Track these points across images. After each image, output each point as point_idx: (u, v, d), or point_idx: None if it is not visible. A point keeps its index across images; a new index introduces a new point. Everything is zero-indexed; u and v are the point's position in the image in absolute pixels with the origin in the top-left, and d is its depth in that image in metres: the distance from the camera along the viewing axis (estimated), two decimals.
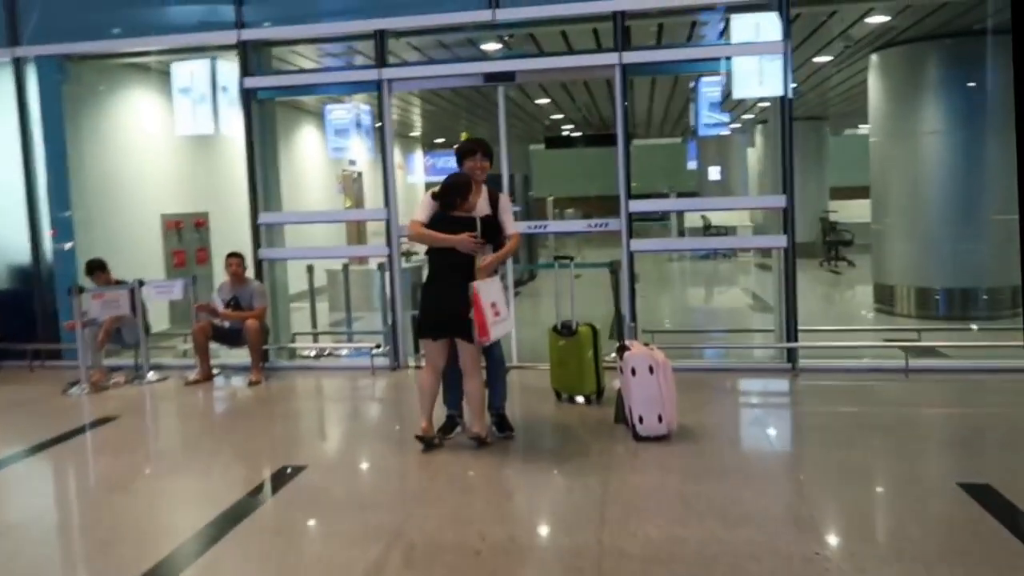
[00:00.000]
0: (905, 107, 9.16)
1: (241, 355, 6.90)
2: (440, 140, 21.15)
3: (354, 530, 3.51)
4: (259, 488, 4.11)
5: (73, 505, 4.18)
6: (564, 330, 5.59)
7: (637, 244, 6.57)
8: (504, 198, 4.74)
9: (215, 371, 6.83)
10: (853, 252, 14.80)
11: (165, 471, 4.53)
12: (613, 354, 5.03)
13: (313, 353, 7.46)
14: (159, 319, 8.04)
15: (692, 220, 19.27)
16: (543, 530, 3.51)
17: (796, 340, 6.36)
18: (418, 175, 21.10)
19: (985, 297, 8.86)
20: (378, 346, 6.92)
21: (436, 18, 6.59)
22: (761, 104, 14.98)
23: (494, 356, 4.80)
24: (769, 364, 6.49)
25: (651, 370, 4.62)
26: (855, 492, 3.85)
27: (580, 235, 16.42)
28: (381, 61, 6.76)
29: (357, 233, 15.19)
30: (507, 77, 6.67)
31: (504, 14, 6.46)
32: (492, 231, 4.56)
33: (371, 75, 6.77)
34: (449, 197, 4.50)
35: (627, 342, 4.88)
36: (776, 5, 6.19)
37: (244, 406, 6.02)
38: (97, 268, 6.82)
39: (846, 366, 6.32)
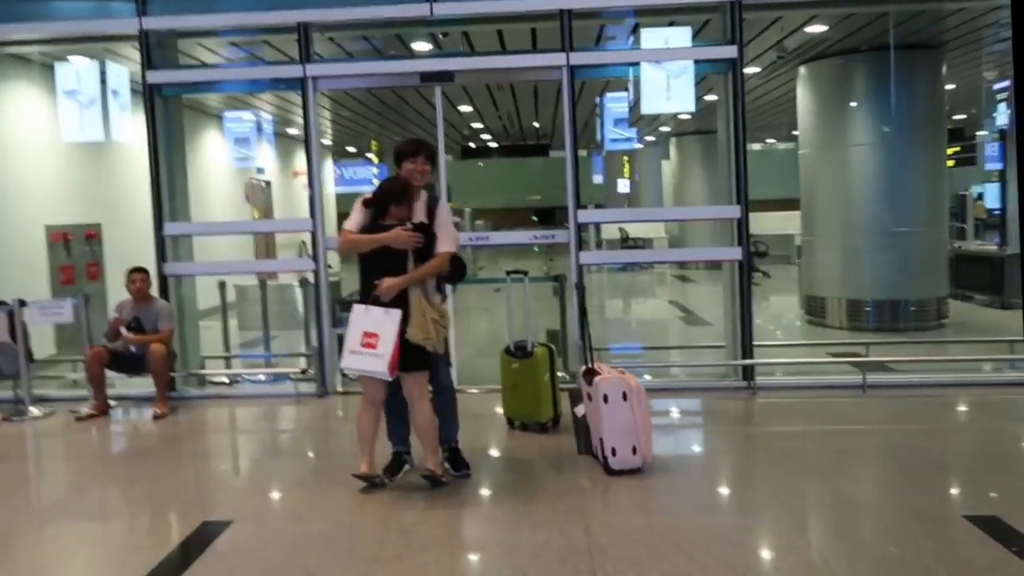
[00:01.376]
0: (834, 119, 9.16)
1: (141, 384, 6.09)
2: (351, 149, 20.36)
3: None
4: (175, 553, 3.41)
5: None
6: (518, 351, 5.09)
7: (587, 257, 6.16)
8: (444, 208, 4.12)
9: (111, 403, 5.97)
10: (766, 263, 15.00)
11: (55, 531, 3.75)
12: (575, 378, 4.57)
13: (227, 380, 6.68)
14: (43, 344, 7.07)
15: (609, 232, 19.23)
16: None
17: (752, 356, 6.08)
18: (328, 186, 20.18)
19: (913, 308, 8.92)
20: (304, 371, 6.23)
21: (368, 11, 5.99)
22: (682, 116, 15.17)
23: (441, 383, 4.24)
24: (725, 383, 6.17)
25: (624, 397, 4.19)
26: (860, 528, 3.50)
27: (500, 248, 16.05)
28: (305, 57, 6.11)
29: (266, 247, 14.27)
30: (446, 77, 6.14)
31: (442, 9, 5.94)
32: (424, 245, 3.95)
33: (295, 71, 6.10)
34: (383, 203, 3.96)
35: (594, 365, 4.43)
36: (728, 9, 5.94)
37: (150, 445, 5.22)
38: None
39: (802, 383, 6.09)
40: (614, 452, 4.17)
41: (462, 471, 4.21)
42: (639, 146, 21.04)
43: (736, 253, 6.07)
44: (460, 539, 3.42)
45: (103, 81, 6.49)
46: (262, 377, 6.75)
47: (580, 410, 4.61)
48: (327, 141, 18.32)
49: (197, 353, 6.84)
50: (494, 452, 4.72)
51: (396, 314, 3.81)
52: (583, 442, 4.65)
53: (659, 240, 18.38)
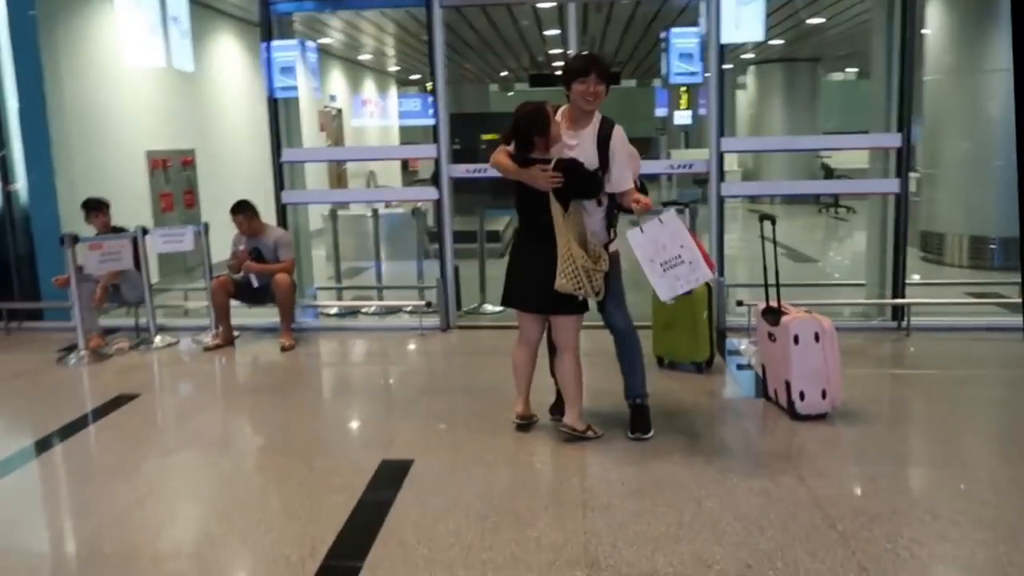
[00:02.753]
0: (969, 44, 8.47)
1: (256, 314, 5.95)
2: (415, 77, 19.84)
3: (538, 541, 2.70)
4: (369, 493, 3.24)
5: (143, 534, 3.23)
6: None
7: (729, 188, 5.79)
8: (620, 137, 3.51)
9: (236, 334, 5.85)
10: (849, 198, 14.35)
11: (233, 469, 3.61)
12: (755, 319, 4.27)
13: (372, 310, 6.54)
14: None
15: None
16: (776, 549, 2.74)
17: (903, 296, 5.71)
18: (392, 117, 19.73)
19: None
20: (429, 304, 6.01)
21: None
22: (772, 43, 14.39)
23: (617, 327, 3.73)
24: (875, 323, 5.82)
25: (817, 338, 3.88)
26: None
27: None
28: None
29: (337, 177, 14.03)
30: None
31: None
32: (589, 182, 3.49)
33: None
34: (522, 135, 3.50)
35: (777, 303, 4.10)
36: None
37: (290, 378, 5.07)
38: (96, 208, 5.70)
39: (957, 324, 5.69)
40: (802, 396, 3.89)
41: (637, 434, 3.72)
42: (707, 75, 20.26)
43: (894, 185, 5.62)
44: (668, 488, 3.18)
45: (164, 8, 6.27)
46: (399, 309, 6.47)
47: (749, 350, 4.32)
48: (393, 68, 17.85)
49: (311, 284, 6.68)
50: (658, 394, 4.46)
51: (672, 218, 3.44)
52: (759, 385, 4.37)
53: (732, 173, 17.63)
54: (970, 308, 6.12)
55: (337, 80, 14.82)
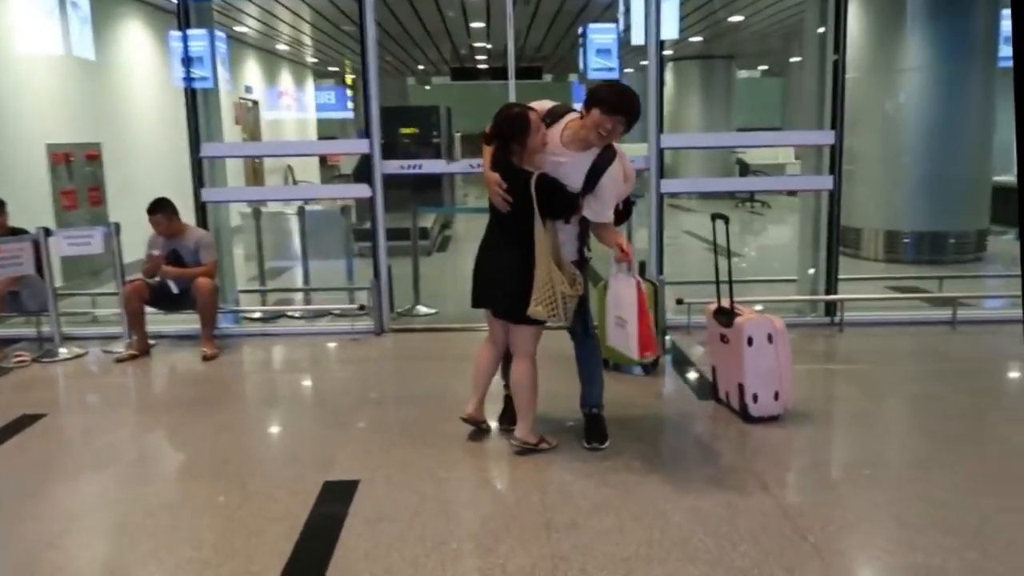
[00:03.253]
0: (884, 44, 8.72)
1: (172, 320, 5.56)
2: (334, 69, 19.26)
3: None
4: (315, 520, 2.99)
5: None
6: None
7: (669, 185, 5.73)
8: (616, 172, 3.27)
9: (152, 343, 5.43)
10: (764, 193, 14.76)
11: (159, 498, 3.28)
12: (704, 318, 4.19)
13: (300, 314, 6.19)
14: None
15: None
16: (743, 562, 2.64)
17: (836, 291, 5.79)
18: (309, 110, 19.10)
19: (953, 241, 8.73)
20: (362, 307, 5.74)
21: None
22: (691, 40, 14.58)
23: (580, 336, 3.58)
24: (808, 319, 5.88)
25: (770, 339, 3.83)
26: None
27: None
28: None
29: (254, 172, 13.45)
30: None
31: None
32: (562, 206, 3.29)
33: None
34: (501, 138, 3.32)
35: (728, 303, 4.04)
36: None
37: (214, 392, 4.72)
38: None
39: (888, 319, 5.81)
40: (756, 399, 3.84)
41: (594, 444, 3.57)
42: (629, 71, 20.44)
43: (828, 182, 5.68)
44: (633, 502, 3.06)
45: None
46: (327, 312, 6.16)
47: (698, 351, 4.25)
48: (311, 59, 17.28)
49: (234, 287, 6.29)
50: (608, 399, 4.34)
51: (630, 281, 3.36)
52: (705, 387, 4.31)
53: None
54: (899, 303, 6.26)
55: (252, 71, 14.20)
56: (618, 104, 3.14)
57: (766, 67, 22.77)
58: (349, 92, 21.25)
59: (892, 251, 8.85)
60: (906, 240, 8.82)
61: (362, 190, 5.74)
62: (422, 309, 6.39)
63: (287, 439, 4.03)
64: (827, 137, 5.64)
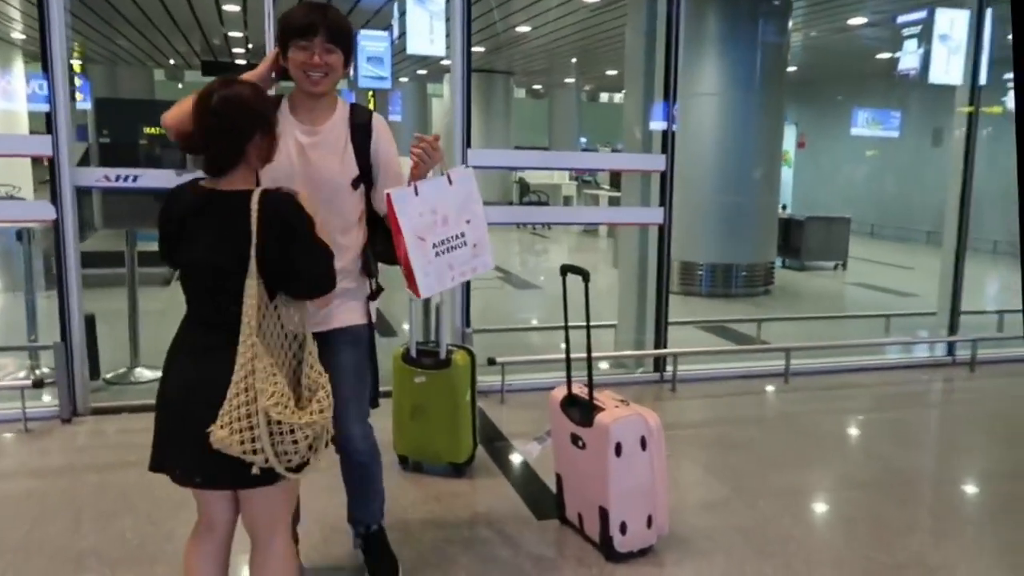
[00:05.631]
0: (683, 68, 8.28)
1: None
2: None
3: None
4: None
5: None
6: (425, 358, 3.39)
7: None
8: (384, 128, 2.38)
9: None
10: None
11: None
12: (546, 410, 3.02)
13: None
14: None
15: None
16: None
17: (666, 343, 4.94)
18: (18, 101, 15.63)
19: (744, 273, 8.51)
20: (38, 380, 3.90)
21: None
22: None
23: (358, 450, 2.42)
24: (638, 375, 4.99)
25: (643, 444, 2.74)
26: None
27: None
28: None
29: None
30: None
31: None
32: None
33: None
34: (203, 139, 1.87)
35: (589, 391, 2.88)
36: None
37: None
38: None
39: (717, 373, 5.07)
40: (624, 529, 2.73)
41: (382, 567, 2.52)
42: (404, 79, 19.31)
43: (657, 215, 4.82)
44: None
45: None
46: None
47: (534, 451, 3.09)
48: (19, 36, 14.11)
49: None
50: (403, 515, 3.03)
51: (467, 177, 2.33)
52: (551, 501, 3.14)
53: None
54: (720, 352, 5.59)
55: None
56: (304, 22, 2.17)
57: (537, 87, 22.70)
58: (77, 81, 17.98)
59: (688, 283, 8.43)
60: (700, 272, 8.46)
61: (42, 210, 3.93)
62: (145, 373, 4.67)
63: None
64: (657, 162, 4.79)
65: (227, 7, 9.65)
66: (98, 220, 9.77)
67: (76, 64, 17.67)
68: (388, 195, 2.21)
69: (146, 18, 10.80)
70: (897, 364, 5.50)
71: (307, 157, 2.24)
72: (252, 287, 1.78)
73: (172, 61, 16.70)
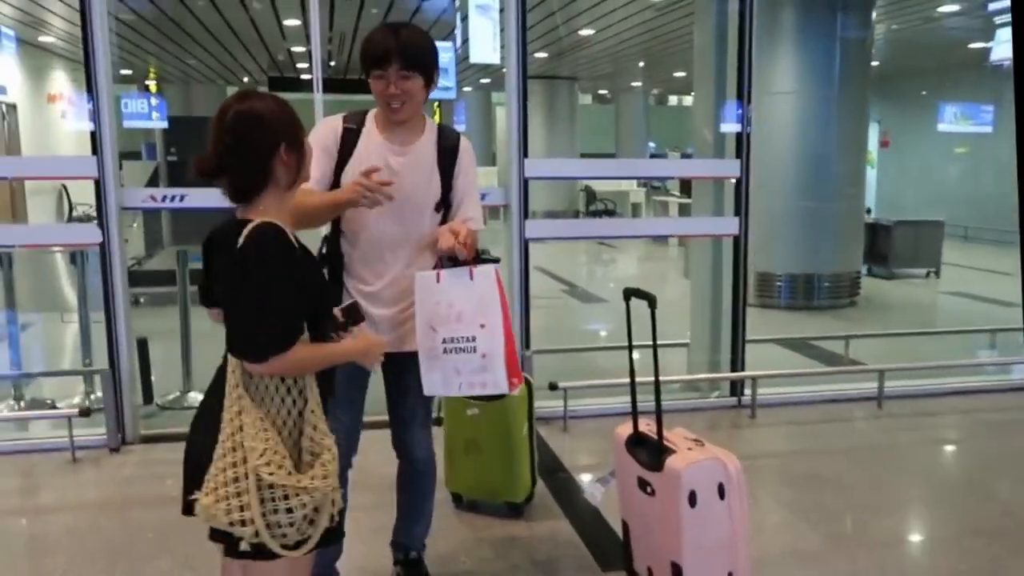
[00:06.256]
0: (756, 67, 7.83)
1: None
2: (126, 72, 16.52)
3: None
4: None
5: None
6: None
7: (536, 228, 4.25)
8: (471, 154, 2.36)
9: None
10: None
11: None
12: (611, 449, 2.70)
13: None
14: None
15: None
16: None
17: (743, 365, 4.55)
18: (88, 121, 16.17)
19: (827, 284, 7.97)
20: (85, 409, 3.80)
21: None
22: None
23: (419, 458, 2.45)
24: (713, 400, 4.60)
25: (721, 492, 2.40)
26: None
27: None
28: None
29: (11, 194, 10.80)
30: None
31: None
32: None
33: None
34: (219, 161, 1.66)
35: (658, 430, 2.55)
36: None
37: None
38: None
39: (799, 397, 4.64)
40: None
41: None
42: (468, 89, 19.23)
43: (732, 225, 4.44)
44: None
45: None
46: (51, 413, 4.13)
47: (597, 493, 2.77)
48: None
49: None
50: (453, 558, 2.77)
51: (488, 277, 2.14)
52: (618, 550, 2.82)
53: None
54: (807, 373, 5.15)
55: (8, 67, 11.48)
56: (380, 52, 2.13)
57: (603, 92, 22.31)
58: (152, 100, 18.55)
59: (765, 295, 7.94)
60: (779, 283, 7.96)
61: (89, 234, 3.83)
62: (198, 398, 4.53)
63: None
64: (731, 168, 4.41)
65: (288, 22, 9.66)
66: (167, 238, 9.94)
67: (151, 84, 18.27)
68: (415, 276, 2.19)
69: (213, 37, 10.94)
70: (1008, 386, 4.95)
71: (396, 176, 2.17)
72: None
73: (244, 79, 17.01)
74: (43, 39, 11.79)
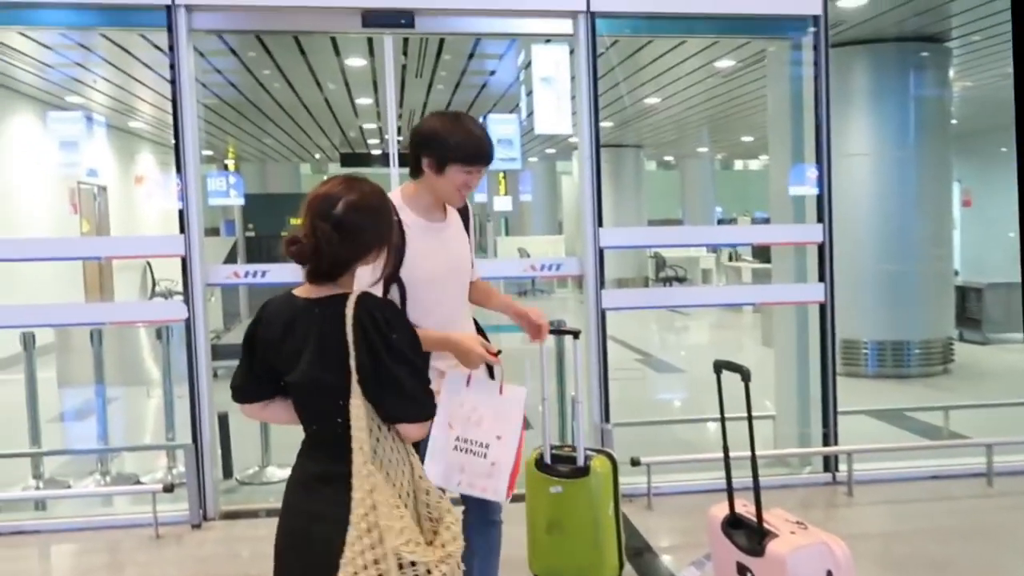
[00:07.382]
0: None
1: None
2: (207, 153, 17.37)
3: None
4: None
5: None
6: (561, 464, 3.01)
7: (614, 298, 4.18)
8: (472, 213, 2.55)
9: None
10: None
11: None
12: (717, 530, 2.54)
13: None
14: None
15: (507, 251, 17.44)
16: None
17: (837, 439, 4.31)
18: (174, 198, 16.97)
19: (917, 351, 7.59)
20: (169, 485, 3.82)
21: None
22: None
23: (494, 521, 2.47)
24: (805, 476, 4.36)
25: None
26: None
27: None
28: None
29: (99, 272, 11.31)
30: (402, 19, 3.97)
31: None
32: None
33: None
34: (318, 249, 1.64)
35: (757, 512, 2.40)
36: None
37: None
38: None
39: (897, 473, 4.36)
40: None
41: None
42: (532, 160, 19.55)
43: (817, 292, 4.28)
44: None
45: None
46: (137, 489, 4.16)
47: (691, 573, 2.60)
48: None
49: None
50: None
51: (518, 397, 2.21)
52: None
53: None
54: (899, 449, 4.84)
55: (101, 151, 12.18)
56: (475, 150, 2.28)
57: (668, 158, 22.34)
58: (231, 179, 19.38)
59: (851, 363, 7.60)
60: (865, 351, 7.63)
61: (175, 309, 3.92)
62: (276, 472, 4.52)
63: None
64: (813, 233, 4.28)
65: (360, 100, 10.00)
66: (244, 311, 10.21)
67: (230, 163, 19.14)
68: (447, 373, 2.22)
69: (289, 117, 11.41)
70: None
71: (448, 247, 2.31)
72: (358, 407, 1.53)
73: (317, 156, 17.65)
74: (132, 124, 12.50)
